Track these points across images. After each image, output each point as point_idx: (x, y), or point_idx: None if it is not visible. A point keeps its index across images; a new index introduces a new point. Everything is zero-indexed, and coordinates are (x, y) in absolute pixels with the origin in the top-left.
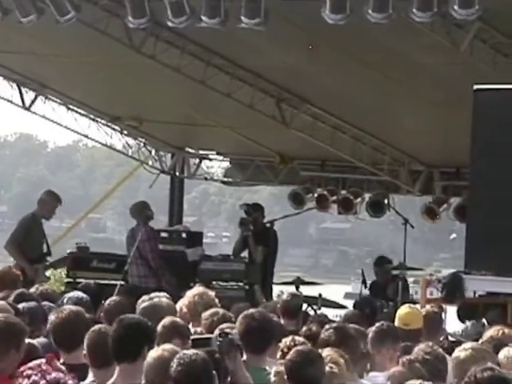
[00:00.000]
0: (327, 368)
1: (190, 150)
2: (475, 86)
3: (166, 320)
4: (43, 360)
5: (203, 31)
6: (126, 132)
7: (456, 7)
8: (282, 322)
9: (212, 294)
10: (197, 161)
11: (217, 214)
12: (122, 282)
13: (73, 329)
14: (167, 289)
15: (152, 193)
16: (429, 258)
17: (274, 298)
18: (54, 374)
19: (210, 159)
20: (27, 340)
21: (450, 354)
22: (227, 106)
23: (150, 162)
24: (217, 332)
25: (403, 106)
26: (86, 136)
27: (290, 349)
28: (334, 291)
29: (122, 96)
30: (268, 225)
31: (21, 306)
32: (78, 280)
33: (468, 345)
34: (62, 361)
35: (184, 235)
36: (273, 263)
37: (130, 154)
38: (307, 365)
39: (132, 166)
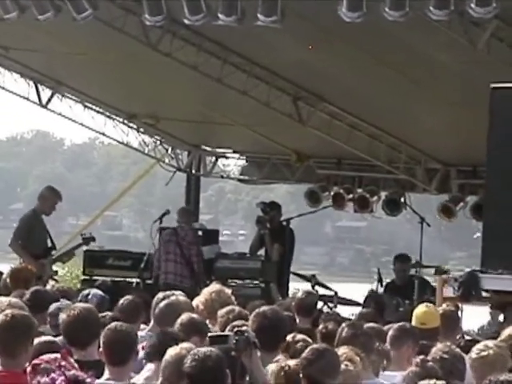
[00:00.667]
0: (342, 366)
1: (207, 148)
2: (492, 85)
3: (184, 317)
4: (57, 355)
5: (220, 29)
6: (142, 130)
7: (473, 5)
8: (297, 319)
9: (229, 291)
10: (213, 159)
11: (233, 212)
12: (138, 280)
13: (86, 325)
14: None
15: (168, 191)
16: (445, 256)
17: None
18: (73, 371)
19: (227, 157)
20: None
21: (467, 353)
22: (244, 104)
23: (167, 160)
24: (230, 329)
25: (420, 104)
26: (103, 134)
27: (288, 346)
28: (351, 290)
29: (138, 94)
30: (284, 223)
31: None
32: (95, 278)
33: (490, 343)
34: (75, 357)
35: (200, 233)
36: (289, 261)
37: (146, 151)
38: (322, 363)
39: (148, 164)
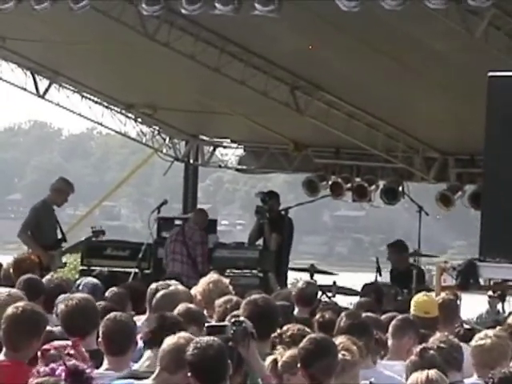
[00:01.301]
0: (340, 355)
1: (204, 138)
2: (490, 73)
3: (181, 307)
4: (69, 342)
5: (217, 18)
6: (140, 119)
7: None
8: (297, 309)
9: (226, 281)
10: (211, 148)
11: (231, 202)
12: (136, 270)
13: (84, 315)
14: None
15: (166, 180)
16: (445, 245)
17: (289, 285)
18: (73, 361)
19: (224, 147)
20: None
21: (466, 342)
22: (241, 94)
23: (164, 150)
24: (228, 319)
25: (418, 93)
26: (101, 124)
27: (280, 335)
28: (349, 279)
29: (136, 83)
30: (283, 212)
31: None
32: (93, 268)
33: (490, 332)
34: None
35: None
36: (288, 251)
37: (144, 141)
38: (320, 352)
39: (146, 154)
